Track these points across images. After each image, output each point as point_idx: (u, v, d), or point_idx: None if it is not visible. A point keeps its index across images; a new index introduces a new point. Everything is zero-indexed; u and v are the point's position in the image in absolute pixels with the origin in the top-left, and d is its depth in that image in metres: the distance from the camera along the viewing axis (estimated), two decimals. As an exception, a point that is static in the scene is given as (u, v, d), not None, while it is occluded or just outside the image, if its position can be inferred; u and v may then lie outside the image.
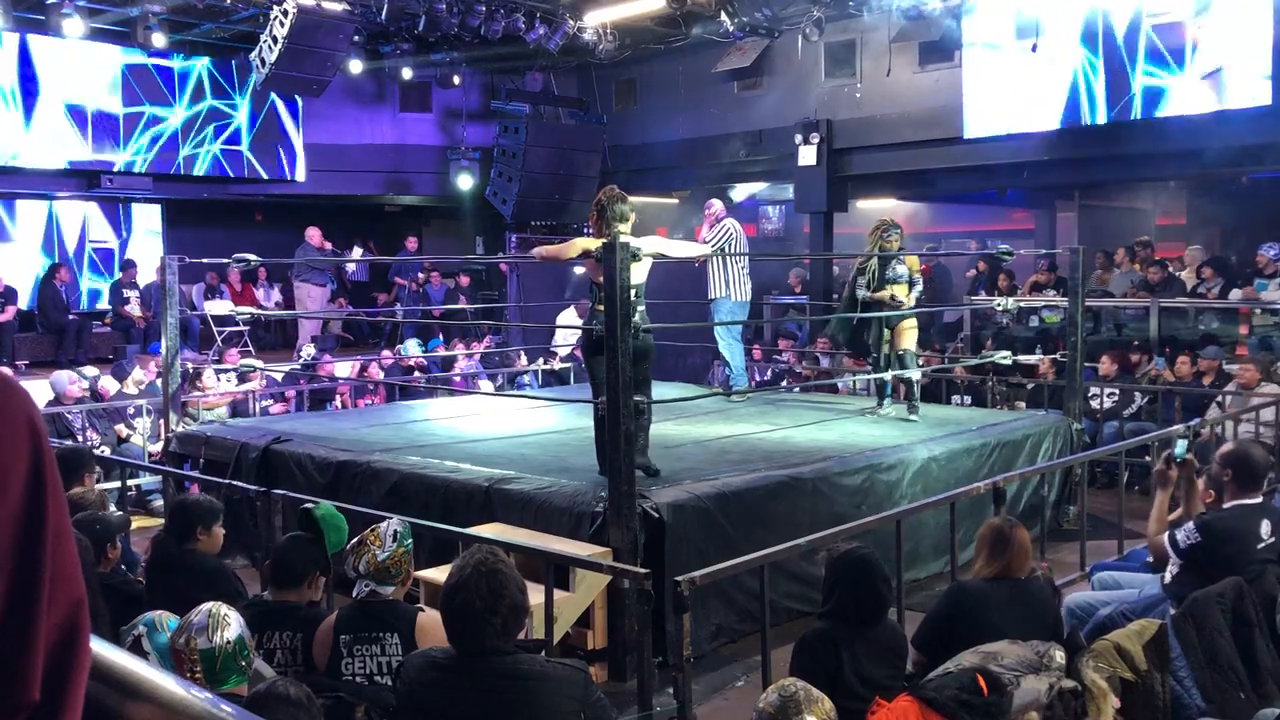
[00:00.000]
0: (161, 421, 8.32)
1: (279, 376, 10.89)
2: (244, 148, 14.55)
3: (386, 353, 12.66)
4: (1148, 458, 7.71)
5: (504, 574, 2.78)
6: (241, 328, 12.48)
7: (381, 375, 11.41)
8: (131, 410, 9.46)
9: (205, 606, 2.92)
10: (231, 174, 14.54)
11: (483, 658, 2.75)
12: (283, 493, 5.58)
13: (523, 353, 13.07)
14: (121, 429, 9.36)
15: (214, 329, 12.30)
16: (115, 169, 13.56)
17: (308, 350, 11.87)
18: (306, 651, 3.53)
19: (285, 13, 11.38)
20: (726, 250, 8.52)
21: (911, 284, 8.02)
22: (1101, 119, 11.19)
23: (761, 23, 12.70)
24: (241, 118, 14.52)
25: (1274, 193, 14.22)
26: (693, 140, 15.50)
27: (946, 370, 10.64)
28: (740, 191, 16.86)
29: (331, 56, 12.22)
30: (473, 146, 15.72)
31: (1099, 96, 11.15)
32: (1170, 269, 11.73)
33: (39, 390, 8.88)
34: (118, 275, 13.93)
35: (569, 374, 11.99)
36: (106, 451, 8.88)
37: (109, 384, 9.72)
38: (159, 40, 12.41)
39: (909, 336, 8.07)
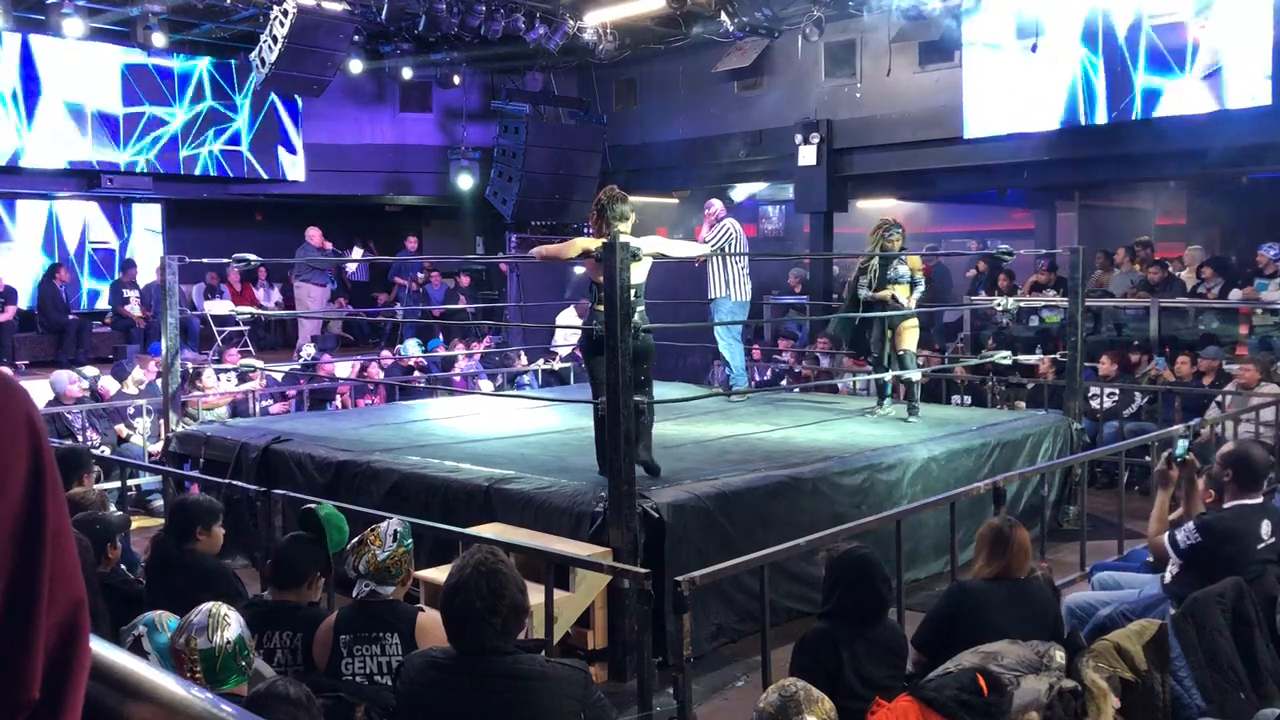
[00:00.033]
0: (161, 421, 8.32)
1: (279, 376, 10.89)
2: (244, 148, 14.56)
3: (386, 353, 12.66)
4: (1148, 458, 7.71)
5: (504, 574, 2.78)
6: (241, 328, 12.48)
7: (381, 375, 11.40)
8: (131, 410, 9.47)
9: (205, 606, 2.92)
10: (231, 174, 14.55)
11: (483, 658, 2.75)
12: (283, 493, 5.58)
13: (523, 353, 13.07)
14: (121, 429, 9.36)
15: (214, 329, 12.30)
16: (116, 169, 13.56)
17: (308, 350, 11.87)
18: (306, 651, 3.53)
19: (285, 13, 11.38)
20: (726, 250, 8.52)
21: (913, 284, 8.00)
22: (1102, 119, 11.19)
23: (761, 23, 12.70)
24: (241, 118, 14.52)
25: (1274, 193, 14.22)
26: (693, 140, 15.50)
27: (946, 370, 10.63)
28: (740, 191, 16.86)
29: (331, 56, 12.22)
30: (473, 146, 15.72)
31: (1099, 96, 11.15)
32: (1170, 269, 11.73)
33: (39, 390, 8.88)
34: (118, 275, 13.93)
35: (569, 374, 12.00)
36: (106, 451, 8.88)
37: (109, 384, 9.73)
38: (159, 40, 12.42)
39: (910, 337, 8.06)
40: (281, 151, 14.85)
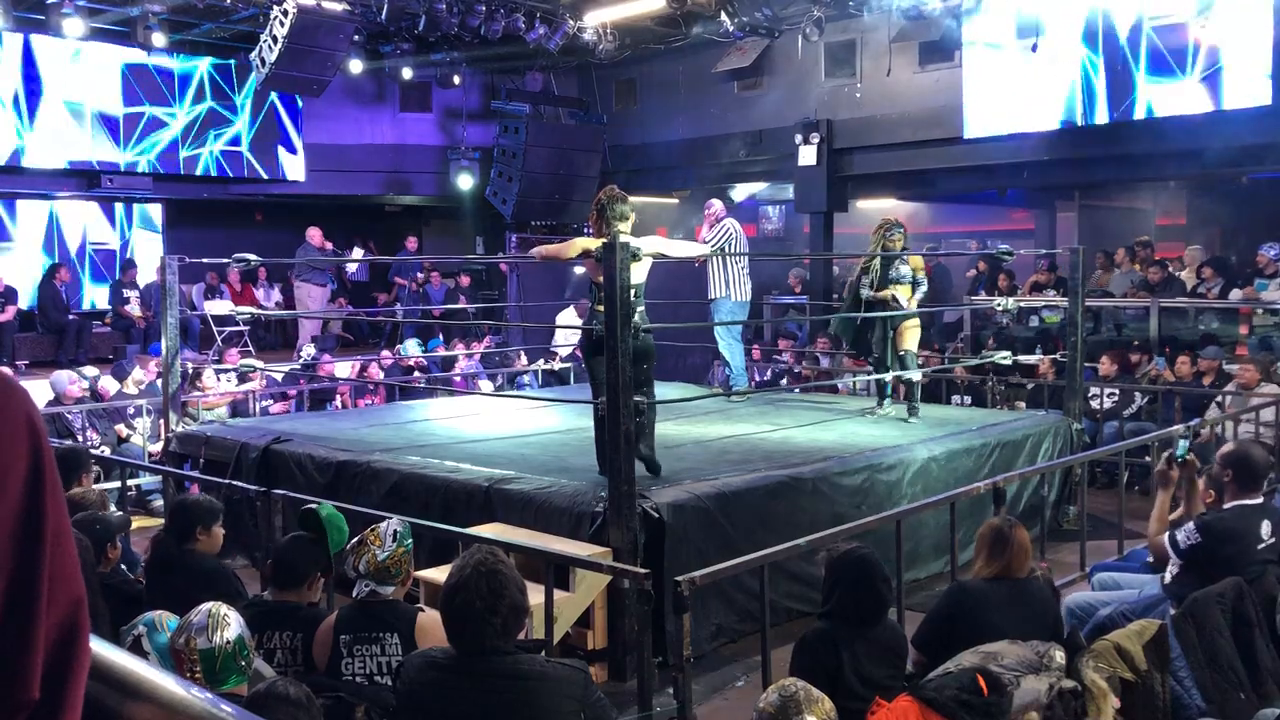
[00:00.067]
0: (161, 421, 8.32)
1: (279, 376, 10.89)
2: (244, 148, 14.55)
3: (386, 353, 12.66)
4: (1148, 458, 7.71)
5: (504, 574, 2.78)
6: (241, 328, 12.48)
7: (381, 375, 11.40)
8: (131, 410, 9.47)
9: (205, 606, 2.92)
10: (232, 174, 14.55)
11: (483, 658, 2.75)
12: (283, 493, 5.58)
13: (523, 353, 13.07)
14: (121, 429, 9.36)
15: (214, 329, 12.30)
16: (116, 169, 13.56)
17: (308, 350, 11.87)
18: (306, 651, 3.53)
19: (285, 12, 11.38)
20: (726, 250, 8.52)
21: (915, 284, 7.98)
22: (1102, 119, 11.19)
23: (761, 23, 12.70)
24: (242, 118, 14.52)
25: (1274, 193, 14.22)
26: (693, 140, 15.50)
27: (946, 370, 10.64)
28: (740, 191, 16.86)
29: (331, 56, 12.22)
30: (473, 146, 15.72)
31: (1099, 96, 11.15)
32: (1170, 269, 11.73)
33: (39, 390, 8.88)
34: (118, 275, 13.93)
35: (569, 374, 12.00)
36: (106, 451, 8.88)
37: (109, 384, 9.73)
38: (159, 40, 12.42)
39: (911, 336, 8.05)
40: (281, 151, 14.85)
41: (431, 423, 8.17)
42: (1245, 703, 3.74)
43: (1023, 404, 10.33)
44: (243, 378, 10.41)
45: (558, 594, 4.58)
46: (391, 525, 3.59)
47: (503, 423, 8.07)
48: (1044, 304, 11.79)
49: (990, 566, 3.89)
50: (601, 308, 5.33)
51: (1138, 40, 10.85)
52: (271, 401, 10.57)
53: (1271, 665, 3.96)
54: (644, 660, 4.29)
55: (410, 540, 3.62)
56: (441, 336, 13.58)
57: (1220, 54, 10.36)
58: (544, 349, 13.03)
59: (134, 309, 13.28)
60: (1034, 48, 11.52)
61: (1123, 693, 3.45)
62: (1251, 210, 15.15)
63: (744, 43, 13.85)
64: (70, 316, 13.28)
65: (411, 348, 12.53)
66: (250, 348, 12.29)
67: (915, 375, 8.08)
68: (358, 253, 15.39)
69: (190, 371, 9.35)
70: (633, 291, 5.33)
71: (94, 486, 5.49)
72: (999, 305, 9.86)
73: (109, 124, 13.44)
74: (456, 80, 15.24)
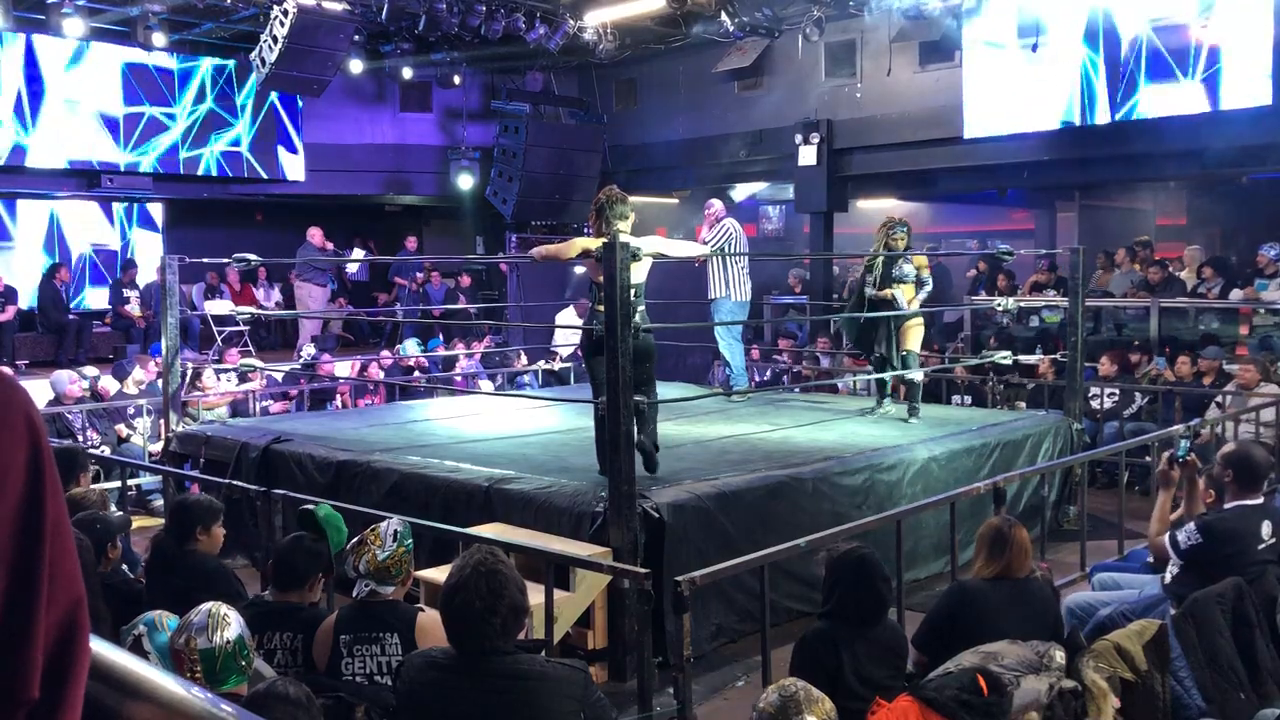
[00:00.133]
0: (161, 421, 8.32)
1: (279, 376, 10.90)
2: (244, 148, 14.55)
3: (386, 353, 12.66)
4: (1148, 458, 7.71)
5: (504, 574, 2.78)
6: (241, 328, 12.48)
7: (381, 375, 11.41)
8: (131, 410, 9.47)
9: (205, 606, 2.91)
10: (232, 174, 14.54)
11: (483, 658, 2.75)
12: (283, 493, 5.58)
13: (523, 353, 13.07)
14: (121, 429, 9.36)
15: (214, 329, 12.30)
16: (116, 169, 13.56)
17: (308, 350, 11.87)
18: (306, 652, 3.53)
19: (285, 12, 11.38)
20: (726, 250, 8.52)
21: (919, 284, 7.95)
22: (1102, 119, 11.18)
23: (761, 23, 12.70)
24: (242, 118, 14.52)
25: (1274, 193, 14.22)
26: (693, 140, 15.50)
27: (946, 370, 10.64)
28: (740, 191, 16.86)
29: (332, 56, 12.22)
30: (473, 146, 15.72)
31: (1100, 96, 11.15)
32: (1170, 269, 11.73)
33: (39, 390, 8.88)
34: (118, 275, 13.93)
35: (569, 374, 12.00)
36: (106, 451, 8.88)
37: (109, 384, 9.73)
38: (159, 40, 12.43)
39: (912, 336, 8.04)
40: (282, 151, 14.85)
41: (431, 423, 8.17)
42: (1245, 703, 3.74)
43: (1023, 404, 10.33)
44: (243, 378, 10.41)
45: (558, 594, 4.58)
46: (392, 525, 3.59)
47: (503, 422, 8.07)
48: (1044, 304, 11.79)
49: (990, 566, 3.89)
50: (601, 307, 5.33)
51: (1138, 40, 10.86)
52: (271, 401, 10.57)
53: (1271, 665, 3.96)
54: (644, 660, 4.29)
55: (410, 540, 3.62)
56: (441, 336, 13.58)
57: (1220, 54, 10.36)
58: (544, 349, 13.03)
59: (134, 309, 13.28)
60: (1034, 48, 11.52)
61: (1123, 693, 3.45)
62: (1251, 210, 15.15)
63: (744, 43, 13.85)
64: (70, 316, 13.28)
65: (411, 348, 12.53)
66: (250, 348, 12.29)
67: (917, 376, 8.08)
68: (358, 253, 15.40)
69: (190, 371, 9.35)
70: (633, 291, 5.33)
71: (94, 486, 5.49)
72: (999, 305, 9.86)
73: (109, 124, 13.44)
74: (457, 80, 15.24)
